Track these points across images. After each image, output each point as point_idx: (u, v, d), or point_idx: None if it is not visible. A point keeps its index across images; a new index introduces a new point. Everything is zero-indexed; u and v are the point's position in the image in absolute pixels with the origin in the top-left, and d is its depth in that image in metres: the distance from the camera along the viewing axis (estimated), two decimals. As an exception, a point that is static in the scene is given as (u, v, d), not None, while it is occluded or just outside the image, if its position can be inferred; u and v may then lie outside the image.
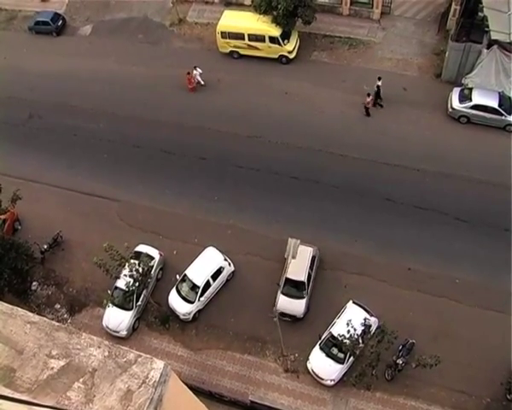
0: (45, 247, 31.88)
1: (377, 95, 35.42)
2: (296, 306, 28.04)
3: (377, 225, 30.92)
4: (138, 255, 29.76)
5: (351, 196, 32.16)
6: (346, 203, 31.81)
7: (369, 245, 30.37)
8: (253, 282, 30.06)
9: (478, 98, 33.83)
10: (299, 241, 23.85)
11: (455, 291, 28.65)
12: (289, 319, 27.98)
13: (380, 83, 35.09)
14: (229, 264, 30.13)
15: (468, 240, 30.11)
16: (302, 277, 27.77)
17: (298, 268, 27.56)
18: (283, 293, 27.74)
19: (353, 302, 27.91)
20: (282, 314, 27.11)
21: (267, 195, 32.77)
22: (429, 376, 24.82)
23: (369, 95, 34.87)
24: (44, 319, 10.60)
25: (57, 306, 31.23)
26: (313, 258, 28.70)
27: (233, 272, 30.37)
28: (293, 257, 23.35)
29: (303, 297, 28.00)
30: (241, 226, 31.89)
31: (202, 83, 38.19)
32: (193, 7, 44.36)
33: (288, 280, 27.83)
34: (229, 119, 36.38)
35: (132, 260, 27.67)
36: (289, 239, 23.96)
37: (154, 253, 30.65)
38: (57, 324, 10.76)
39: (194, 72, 37.61)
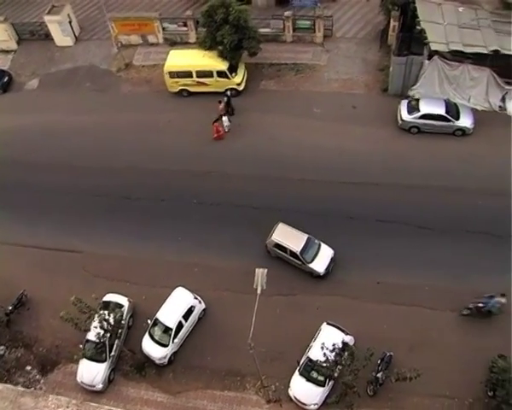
0: (10, 308, 30.88)
1: (228, 104, 37.56)
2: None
3: (342, 245, 31.01)
4: (107, 305, 29.22)
5: (313, 219, 32.28)
6: (308, 226, 31.84)
7: (335, 265, 30.53)
8: (225, 317, 29.80)
9: (425, 108, 34.72)
10: (266, 270, 23.71)
11: (426, 298, 28.96)
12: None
13: (228, 93, 37.84)
14: (200, 302, 29.85)
15: (432, 247, 30.55)
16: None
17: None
18: None
19: (327, 323, 27.94)
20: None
21: (230, 228, 32.71)
22: (411, 386, 24.78)
23: (220, 102, 37.11)
24: (7, 386, 10.33)
25: (28, 368, 29.94)
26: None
27: (204, 310, 30.07)
28: (262, 287, 23.27)
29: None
30: (208, 263, 31.66)
31: (227, 130, 37.46)
32: (138, 50, 44.63)
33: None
34: (184, 157, 36.36)
35: (101, 311, 27.15)
36: (256, 269, 23.79)
37: (123, 300, 30.14)
38: (22, 389, 10.51)
39: (224, 118, 37.00)
